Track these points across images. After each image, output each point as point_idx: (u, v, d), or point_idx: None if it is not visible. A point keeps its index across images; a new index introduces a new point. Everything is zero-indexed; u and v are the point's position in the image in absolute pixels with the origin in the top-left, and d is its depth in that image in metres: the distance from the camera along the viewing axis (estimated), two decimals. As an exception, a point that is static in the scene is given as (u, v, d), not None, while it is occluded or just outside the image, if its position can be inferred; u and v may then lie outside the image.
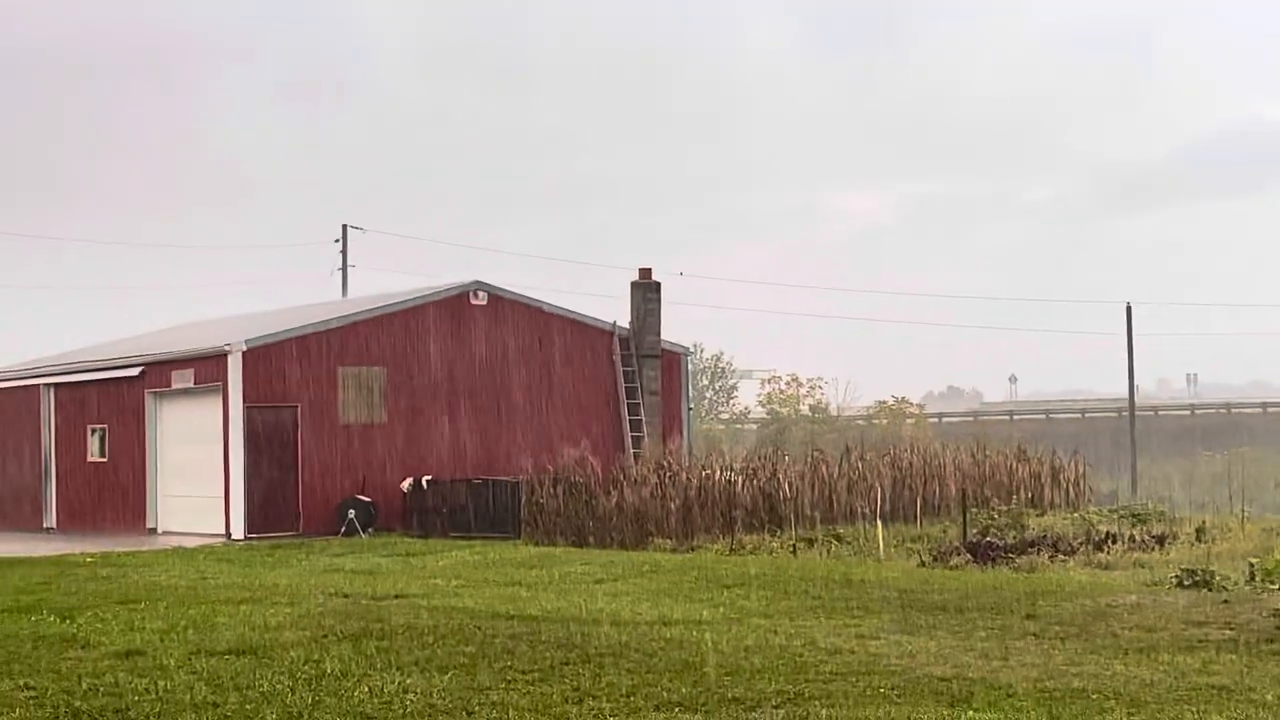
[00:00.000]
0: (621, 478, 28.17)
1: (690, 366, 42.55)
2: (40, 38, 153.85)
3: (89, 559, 23.75)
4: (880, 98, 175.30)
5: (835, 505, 29.36)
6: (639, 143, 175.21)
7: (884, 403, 67.90)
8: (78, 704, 10.18)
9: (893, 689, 10.48)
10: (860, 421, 66.90)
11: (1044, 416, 76.35)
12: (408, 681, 10.83)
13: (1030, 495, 32.83)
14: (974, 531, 24.64)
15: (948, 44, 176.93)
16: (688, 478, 28.18)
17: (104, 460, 34.00)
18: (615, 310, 36.89)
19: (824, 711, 9.70)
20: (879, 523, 25.58)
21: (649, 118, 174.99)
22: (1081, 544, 22.66)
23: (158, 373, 32.35)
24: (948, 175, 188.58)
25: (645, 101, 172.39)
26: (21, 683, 11.04)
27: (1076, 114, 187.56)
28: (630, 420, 35.28)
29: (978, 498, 30.47)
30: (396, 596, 16.95)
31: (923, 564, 21.37)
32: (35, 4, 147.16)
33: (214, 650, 12.49)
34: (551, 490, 27.96)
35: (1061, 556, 21.57)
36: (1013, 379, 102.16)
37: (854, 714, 9.63)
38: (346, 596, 17.00)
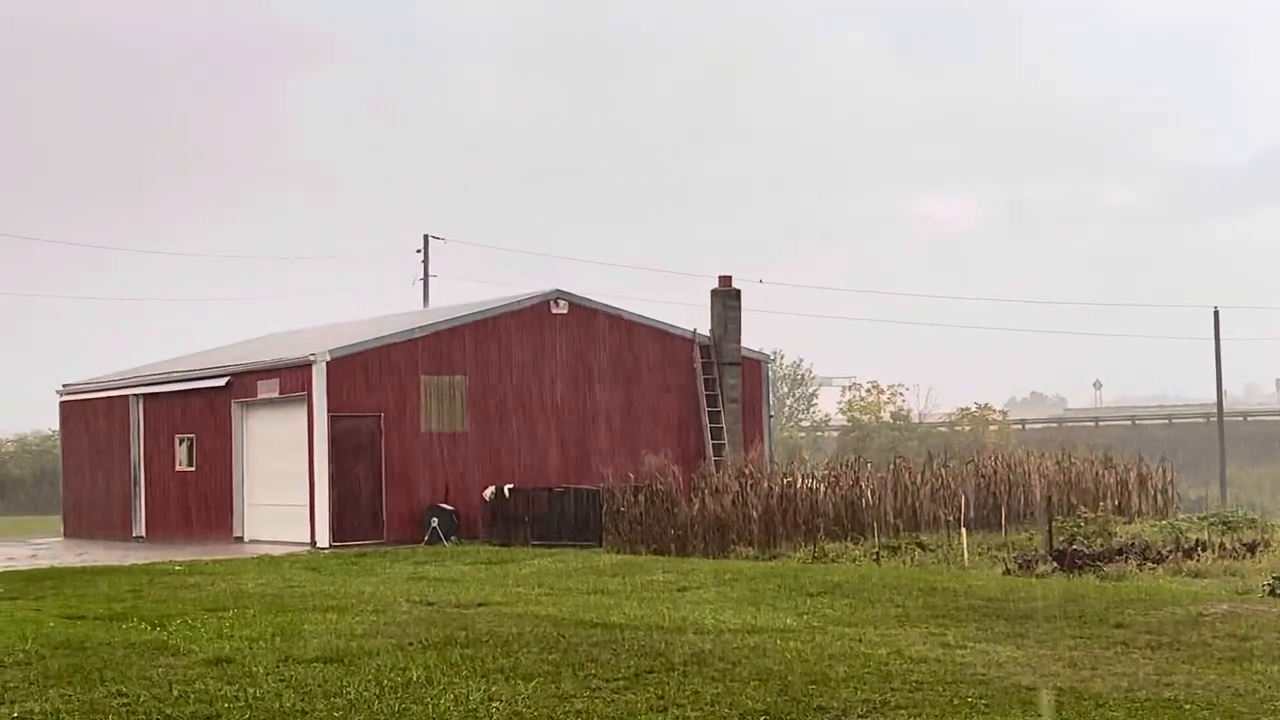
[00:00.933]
0: (703, 485, 28.14)
1: (771, 374, 42.47)
2: (120, 43, 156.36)
3: (178, 567, 24.08)
4: (962, 102, 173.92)
5: (918, 513, 29.16)
6: (718, 148, 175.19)
7: (966, 409, 67.34)
8: (169, 711, 10.33)
9: (980, 698, 10.39)
10: (942, 429, 66.44)
11: (1129, 422, 75.34)
12: (493, 689, 10.88)
13: (1117, 502, 32.41)
14: (1060, 539, 24.36)
15: (1031, 47, 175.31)
16: (769, 485, 28.08)
17: (191, 469, 34.48)
18: (695, 318, 36.90)
19: (910, 721, 9.63)
20: (963, 530, 25.37)
21: (729, 122, 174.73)
22: (1170, 552, 22.33)
23: (244, 383, 32.78)
24: (1030, 180, 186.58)
25: (724, 106, 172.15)
26: (114, 690, 11.21)
27: (1161, 117, 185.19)
28: (711, 428, 35.26)
29: (1063, 505, 30.13)
30: (480, 604, 17.04)
31: (1008, 572, 21.16)
32: (117, 6, 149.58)
33: (301, 658, 12.62)
34: (633, 498, 27.98)
35: (1150, 564, 21.26)
36: (1097, 384, 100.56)
37: (941, 724, 9.56)
38: (430, 604, 17.12)
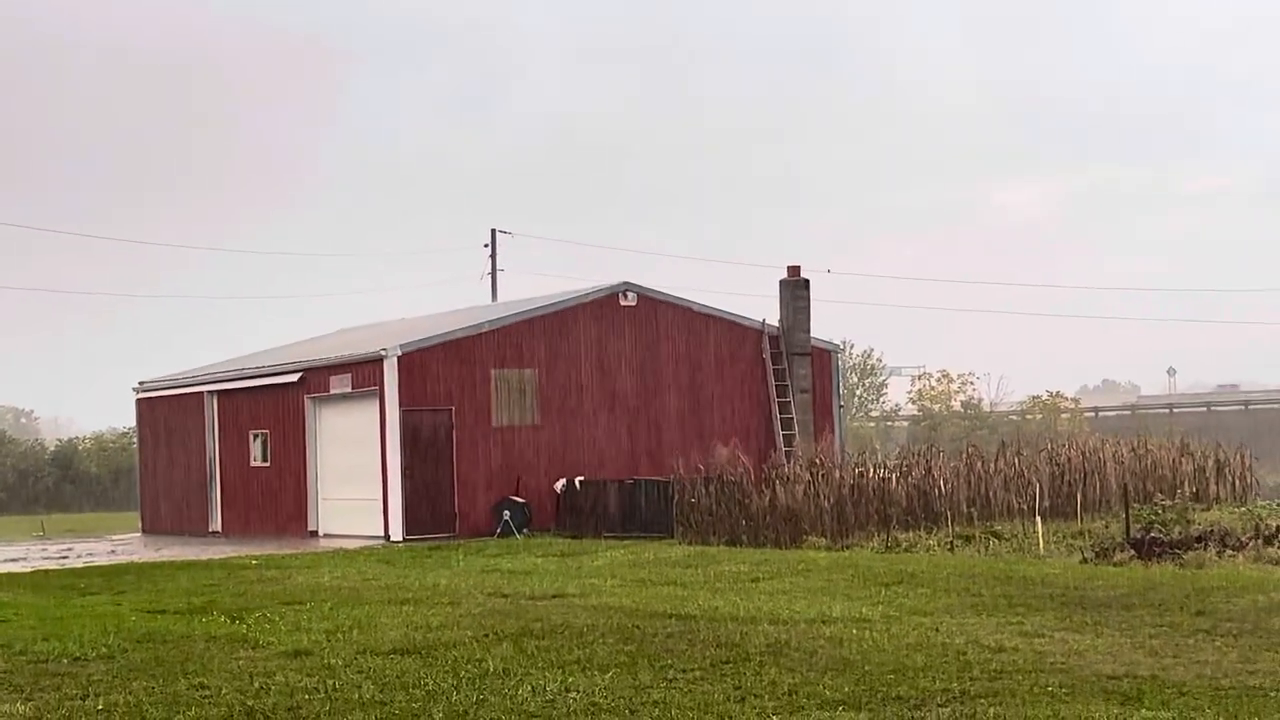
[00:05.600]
0: (774, 476, 28.05)
1: (840, 364, 42.29)
2: (203, 49, 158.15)
3: (254, 561, 24.33)
4: (1033, 85, 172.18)
5: (992, 502, 28.91)
6: (785, 137, 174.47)
7: (1038, 398, 66.72)
8: (250, 703, 10.44)
9: (1060, 687, 10.29)
10: (1013, 417, 65.84)
11: (1205, 409, 74.32)
12: (569, 680, 10.91)
13: (1194, 490, 32.04)
14: (1137, 527, 24.09)
15: (1107, 30, 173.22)
16: (841, 475, 27.96)
17: (266, 465, 34.80)
18: (764, 308, 36.77)
19: (991, 710, 9.55)
20: (1038, 519, 25.14)
21: (795, 112, 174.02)
22: (1250, 539, 22.02)
23: (316, 378, 33.03)
24: (1106, 166, 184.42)
25: (792, 96, 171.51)
26: (196, 682, 11.35)
27: (1240, 101, 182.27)
28: (781, 419, 35.16)
29: (1139, 493, 29.81)
30: (554, 596, 17.10)
31: (1085, 560, 20.96)
32: (205, 10, 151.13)
33: (379, 650, 12.72)
34: (704, 489, 27.96)
35: (1230, 551, 20.99)
36: (1171, 371, 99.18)
37: (1022, 713, 9.48)
38: (505, 596, 17.20)
